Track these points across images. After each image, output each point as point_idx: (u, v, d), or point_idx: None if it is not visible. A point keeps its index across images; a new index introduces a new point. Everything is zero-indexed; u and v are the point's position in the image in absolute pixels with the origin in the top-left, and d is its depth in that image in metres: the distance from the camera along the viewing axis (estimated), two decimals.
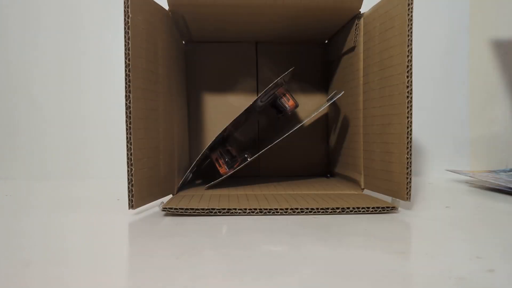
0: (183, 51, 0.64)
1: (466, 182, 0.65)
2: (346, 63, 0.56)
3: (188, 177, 0.56)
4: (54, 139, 0.75)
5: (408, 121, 0.40)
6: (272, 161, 0.67)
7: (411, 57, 0.39)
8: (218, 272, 0.25)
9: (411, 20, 0.39)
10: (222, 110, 0.66)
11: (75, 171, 0.75)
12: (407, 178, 0.40)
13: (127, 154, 0.39)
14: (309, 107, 0.66)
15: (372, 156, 0.48)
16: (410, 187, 0.40)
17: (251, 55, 0.66)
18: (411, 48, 0.39)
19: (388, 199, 0.44)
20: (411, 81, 0.39)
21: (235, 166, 0.55)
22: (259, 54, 0.67)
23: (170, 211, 0.40)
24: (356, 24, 0.51)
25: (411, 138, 0.40)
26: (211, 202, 0.43)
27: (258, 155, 0.51)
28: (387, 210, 0.41)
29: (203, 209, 0.40)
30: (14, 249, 0.31)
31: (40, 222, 0.40)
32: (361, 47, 0.50)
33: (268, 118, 0.67)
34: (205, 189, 0.53)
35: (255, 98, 0.66)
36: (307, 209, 0.40)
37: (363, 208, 0.40)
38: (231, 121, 0.50)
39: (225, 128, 0.51)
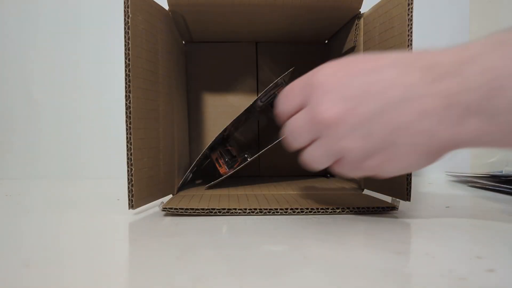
0: (183, 51, 0.64)
1: (466, 182, 0.65)
2: None
3: (188, 177, 0.56)
4: (54, 139, 0.75)
5: None
6: (272, 161, 0.67)
7: None
8: (218, 272, 0.25)
9: (411, 20, 0.39)
10: (222, 110, 0.66)
11: (75, 171, 0.75)
12: (407, 178, 0.40)
13: (127, 154, 0.39)
14: None
15: None
16: (410, 187, 0.40)
17: (251, 55, 0.66)
18: (411, 49, 0.39)
19: (388, 199, 0.44)
20: None
21: (235, 166, 0.55)
22: (259, 54, 0.67)
23: (170, 211, 0.40)
24: (356, 24, 0.51)
25: None
26: (211, 202, 0.43)
27: (258, 155, 0.51)
28: (387, 210, 0.41)
29: (203, 209, 0.40)
30: (14, 249, 0.31)
31: (40, 222, 0.40)
32: (361, 47, 0.50)
33: (268, 118, 0.67)
34: (205, 189, 0.53)
35: (255, 98, 0.66)
36: (307, 209, 0.40)
37: (363, 208, 0.40)
38: (231, 121, 0.50)
39: (225, 128, 0.51)
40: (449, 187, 0.62)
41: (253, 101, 0.51)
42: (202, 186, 0.56)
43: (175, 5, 0.48)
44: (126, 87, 0.38)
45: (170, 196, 0.49)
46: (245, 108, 0.50)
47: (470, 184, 0.63)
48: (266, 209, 0.40)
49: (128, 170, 0.39)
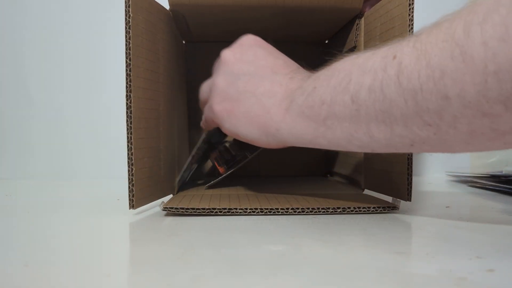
0: (184, 50, 0.64)
1: (466, 182, 0.65)
2: None
3: (186, 177, 0.56)
4: (54, 139, 0.75)
5: None
6: (272, 161, 0.67)
7: None
8: (219, 272, 0.25)
9: (412, 20, 0.39)
10: None
11: (75, 171, 0.75)
12: (408, 178, 0.40)
13: (128, 154, 0.39)
14: None
15: (372, 156, 0.48)
16: (411, 187, 0.40)
17: None
18: None
19: (388, 199, 0.44)
20: None
21: (234, 165, 0.55)
22: None
23: (171, 211, 0.40)
24: (357, 24, 0.51)
25: None
26: (212, 202, 0.43)
27: (258, 153, 0.51)
28: (388, 210, 0.41)
29: (204, 209, 0.40)
30: (14, 249, 0.31)
31: (40, 222, 0.40)
32: (361, 47, 0.50)
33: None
34: (205, 188, 0.53)
35: None
36: (308, 209, 0.40)
37: (363, 208, 0.40)
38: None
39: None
40: (449, 187, 0.62)
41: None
42: (202, 186, 0.56)
43: (176, 5, 0.48)
44: (127, 87, 0.38)
45: (171, 195, 0.49)
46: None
47: (470, 184, 0.63)
48: (267, 208, 0.40)
49: (128, 170, 0.39)
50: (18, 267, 0.26)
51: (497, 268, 0.25)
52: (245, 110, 0.38)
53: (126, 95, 0.39)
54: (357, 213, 0.40)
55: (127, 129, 0.39)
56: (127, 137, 0.39)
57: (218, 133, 0.52)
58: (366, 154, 0.49)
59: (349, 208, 0.40)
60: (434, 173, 0.75)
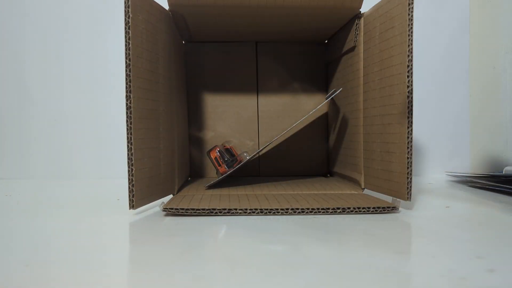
0: (183, 51, 0.64)
1: (466, 182, 0.65)
2: (346, 63, 0.56)
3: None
4: (54, 140, 0.75)
5: (408, 121, 0.40)
6: (272, 161, 0.67)
7: (412, 57, 0.39)
8: (219, 272, 0.25)
9: (412, 20, 0.39)
10: (222, 110, 0.66)
11: (75, 171, 0.75)
12: (407, 178, 0.40)
13: (128, 154, 0.39)
14: (310, 106, 0.66)
15: (372, 156, 0.48)
16: (410, 187, 0.40)
17: (251, 55, 0.66)
18: (412, 48, 0.39)
19: (388, 199, 0.44)
20: (412, 81, 0.39)
21: (234, 165, 0.55)
22: (259, 54, 0.67)
23: (170, 211, 0.40)
24: (356, 24, 0.51)
25: (411, 138, 0.40)
26: (212, 202, 0.43)
27: (258, 153, 0.51)
28: (388, 210, 0.41)
29: (203, 209, 0.40)
30: (14, 249, 0.31)
31: (40, 222, 0.40)
32: (361, 47, 0.50)
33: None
34: (205, 188, 0.53)
35: (255, 97, 0.66)
36: (308, 209, 0.40)
37: (363, 208, 0.40)
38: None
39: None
40: (449, 187, 0.62)
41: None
42: (202, 186, 0.56)
43: (175, 5, 0.48)
44: (126, 87, 0.38)
45: (171, 196, 0.49)
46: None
47: (470, 184, 0.63)
48: (267, 209, 0.40)
49: (128, 170, 0.39)
50: (18, 267, 0.26)
51: (497, 268, 0.25)
52: None
53: (126, 96, 0.39)
54: (357, 213, 0.40)
55: (127, 129, 0.39)
56: (127, 137, 0.39)
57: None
58: (366, 154, 0.49)
59: (349, 208, 0.40)
60: (434, 173, 0.75)
